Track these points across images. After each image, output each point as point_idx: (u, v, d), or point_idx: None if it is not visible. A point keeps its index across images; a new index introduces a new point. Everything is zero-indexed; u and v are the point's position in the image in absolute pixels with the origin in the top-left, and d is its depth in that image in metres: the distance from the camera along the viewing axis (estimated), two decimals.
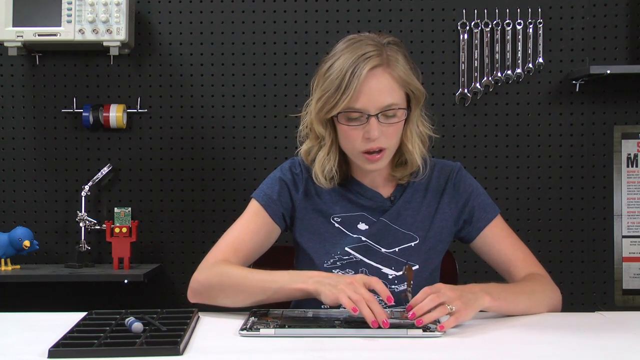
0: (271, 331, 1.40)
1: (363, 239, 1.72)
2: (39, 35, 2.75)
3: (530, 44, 2.92)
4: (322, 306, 1.69)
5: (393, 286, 1.70)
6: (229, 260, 1.68)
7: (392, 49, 1.67)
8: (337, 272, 1.70)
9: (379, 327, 1.40)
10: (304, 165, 1.78)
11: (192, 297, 1.67)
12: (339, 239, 1.72)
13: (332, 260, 1.71)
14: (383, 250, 1.72)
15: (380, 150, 1.65)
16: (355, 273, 1.70)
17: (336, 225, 1.74)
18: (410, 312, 1.42)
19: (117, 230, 2.77)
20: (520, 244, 1.78)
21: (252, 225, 1.74)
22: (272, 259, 1.83)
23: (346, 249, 1.71)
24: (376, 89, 1.62)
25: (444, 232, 1.76)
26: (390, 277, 1.70)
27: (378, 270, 1.70)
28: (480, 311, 1.51)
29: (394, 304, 1.50)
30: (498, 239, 1.76)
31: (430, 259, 1.74)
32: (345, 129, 1.65)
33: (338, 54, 1.65)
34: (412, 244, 1.72)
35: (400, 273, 1.70)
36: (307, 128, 1.73)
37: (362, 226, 1.73)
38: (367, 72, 1.61)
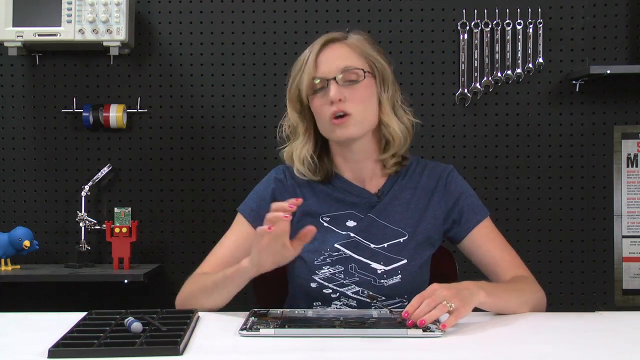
0: (271, 331, 1.40)
1: (352, 235, 1.73)
2: (39, 35, 2.75)
3: (530, 44, 2.92)
4: (315, 304, 1.71)
5: (382, 281, 1.71)
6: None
7: (356, 34, 1.77)
8: (328, 269, 1.71)
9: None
10: (289, 172, 1.81)
11: (177, 306, 1.74)
12: (328, 236, 1.73)
13: (321, 258, 1.72)
14: (372, 245, 1.73)
15: (345, 115, 1.68)
16: (344, 269, 1.71)
17: (325, 224, 1.75)
18: (409, 321, 1.42)
19: (117, 230, 2.77)
20: (508, 247, 1.79)
21: (238, 241, 1.77)
22: None
23: (335, 245, 1.72)
24: (332, 55, 1.72)
25: (433, 230, 1.77)
26: (379, 271, 1.71)
27: (367, 265, 1.71)
28: (474, 310, 1.51)
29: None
30: (486, 241, 1.77)
31: (419, 254, 1.74)
32: (314, 102, 1.71)
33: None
34: (401, 239, 1.73)
35: (389, 268, 1.71)
36: (288, 128, 1.80)
37: (351, 223, 1.75)
38: (322, 45, 1.73)
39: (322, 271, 1.71)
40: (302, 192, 1.78)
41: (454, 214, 1.77)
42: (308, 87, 1.71)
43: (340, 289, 1.71)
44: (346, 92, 1.68)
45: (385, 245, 1.73)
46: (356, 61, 1.71)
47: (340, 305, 1.70)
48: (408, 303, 1.61)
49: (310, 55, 1.73)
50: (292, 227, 1.76)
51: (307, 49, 1.77)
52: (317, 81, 1.70)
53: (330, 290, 1.71)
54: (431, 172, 1.80)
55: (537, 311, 1.67)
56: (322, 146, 1.79)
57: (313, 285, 1.72)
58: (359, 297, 1.71)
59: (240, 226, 1.79)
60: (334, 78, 1.68)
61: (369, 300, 1.71)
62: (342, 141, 1.72)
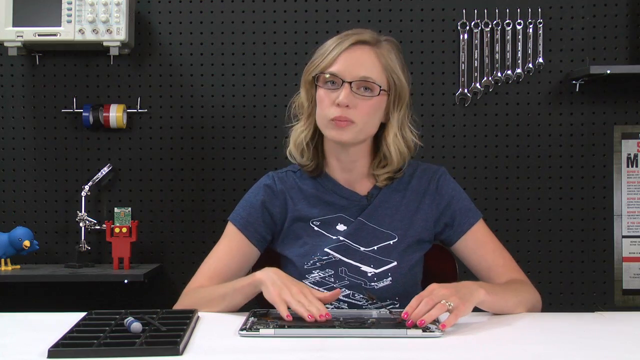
0: (271, 331, 1.40)
1: (342, 239, 1.73)
2: (39, 35, 2.75)
3: (530, 44, 2.92)
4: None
5: (372, 283, 1.71)
6: (206, 286, 1.73)
7: (388, 43, 1.74)
8: (318, 273, 1.71)
9: (319, 322, 1.45)
10: (278, 177, 1.80)
11: None
12: (319, 241, 1.73)
13: (311, 262, 1.72)
14: (362, 249, 1.73)
15: (347, 121, 1.66)
16: (334, 272, 1.71)
17: (315, 228, 1.75)
18: (409, 321, 1.42)
19: (117, 230, 2.77)
20: (502, 250, 1.79)
21: (230, 251, 1.76)
22: (266, 264, 1.83)
23: (325, 249, 1.72)
24: (356, 59, 1.68)
25: (423, 233, 1.76)
26: (369, 274, 1.71)
27: (357, 268, 1.71)
28: (473, 310, 1.51)
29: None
30: (479, 244, 1.77)
31: (409, 256, 1.74)
32: (320, 93, 1.70)
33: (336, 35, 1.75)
34: (391, 242, 1.73)
35: (380, 270, 1.72)
36: (297, 107, 1.80)
37: (341, 227, 1.74)
38: (352, 44, 1.69)
39: (312, 275, 1.71)
40: (292, 196, 1.77)
41: (446, 217, 1.77)
42: (323, 76, 1.69)
43: None
44: (355, 100, 1.66)
45: (375, 248, 1.73)
46: (377, 74, 1.69)
47: (332, 308, 1.70)
48: (399, 305, 1.62)
49: (336, 47, 1.69)
50: (283, 232, 1.76)
51: (335, 37, 1.72)
52: (331, 76, 1.68)
53: None
54: (422, 174, 1.79)
55: (533, 311, 1.67)
56: (318, 136, 1.77)
57: None
58: (349, 300, 1.71)
59: (232, 236, 1.78)
60: (350, 83, 1.66)
61: (363, 302, 1.71)
62: (334, 142, 1.72)
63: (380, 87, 1.68)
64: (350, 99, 1.66)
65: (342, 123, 1.66)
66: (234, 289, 1.63)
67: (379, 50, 1.70)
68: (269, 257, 1.82)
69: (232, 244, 1.76)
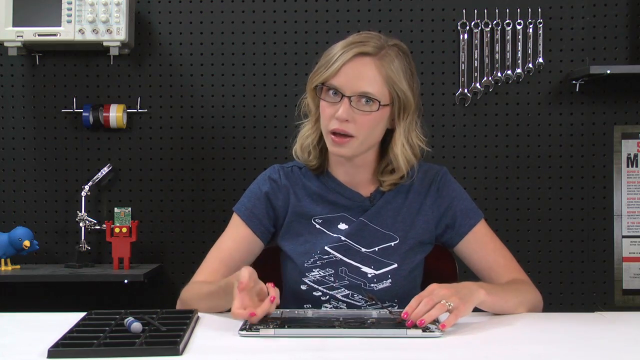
0: (271, 331, 1.40)
1: (342, 238, 1.73)
2: (39, 35, 2.75)
3: (530, 44, 2.92)
4: (305, 306, 1.71)
5: (372, 284, 1.71)
6: (209, 280, 1.72)
7: (393, 50, 1.70)
8: (318, 271, 1.71)
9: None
10: (283, 172, 1.80)
11: (178, 307, 1.73)
12: (319, 239, 1.73)
13: (312, 260, 1.72)
14: (363, 249, 1.73)
15: (347, 136, 1.66)
16: (334, 272, 1.71)
17: (317, 226, 1.75)
18: (409, 321, 1.42)
19: (117, 230, 2.77)
20: (503, 250, 1.78)
21: (234, 242, 1.76)
22: (268, 260, 1.83)
23: (326, 248, 1.72)
24: (357, 73, 1.65)
25: (425, 234, 1.76)
26: (369, 275, 1.71)
27: (357, 269, 1.71)
28: (473, 310, 1.51)
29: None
30: (480, 245, 1.76)
31: (409, 258, 1.74)
32: (323, 104, 1.69)
33: (344, 39, 1.71)
34: (392, 243, 1.73)
35: (380, 272, 1.72)
36: (305, 107, 1.79)
37: (342, 226, 1.74)
38: (355, 56, 1.66)
39: (312, 274, 1.72)
40: (296, 192, 1.78)
41: (447, 218, 1.76)
42: (324, 88, 1.68)
43: (330, 292, 1.71)
44: (355, 114, 1.64)
45: (376, 249, 1.73)
46: (378, 89, 1.65)
47: (331, 308, 1.71)
48: (398, 307, 1.62)
49: (339, 58, 1.65)
50: (284, 227, 1.77)
51: (341, 44, 1.69)
52: (332, 90, 1.66)
53: (320, 293, 1.71)
54: (424, 175, 1.79)
55: (534, 311, 1.67)
56: (324, 140, 1.76)
57: (303, 287, 1.72)
58: (348, 300, 1.72)
59: (236, 227, 1.78)
60: (350, 97, 1.64)
61: (361, 303, 1.71)
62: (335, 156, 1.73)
63: (380, 102, 1.65)
64: (349, 113, 1.64)
65: (341, 139, 1.66)
66: (218, 287, 1.60)
67: (380, 61, 1.66)
68: (272, 252, 1.82)
69: (236, 235, 1.77)
